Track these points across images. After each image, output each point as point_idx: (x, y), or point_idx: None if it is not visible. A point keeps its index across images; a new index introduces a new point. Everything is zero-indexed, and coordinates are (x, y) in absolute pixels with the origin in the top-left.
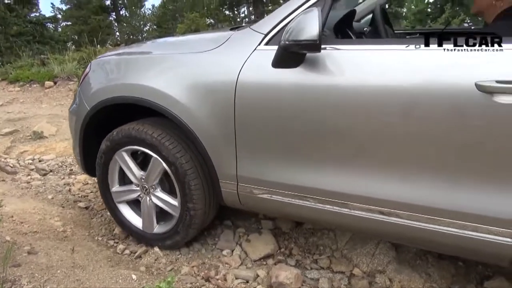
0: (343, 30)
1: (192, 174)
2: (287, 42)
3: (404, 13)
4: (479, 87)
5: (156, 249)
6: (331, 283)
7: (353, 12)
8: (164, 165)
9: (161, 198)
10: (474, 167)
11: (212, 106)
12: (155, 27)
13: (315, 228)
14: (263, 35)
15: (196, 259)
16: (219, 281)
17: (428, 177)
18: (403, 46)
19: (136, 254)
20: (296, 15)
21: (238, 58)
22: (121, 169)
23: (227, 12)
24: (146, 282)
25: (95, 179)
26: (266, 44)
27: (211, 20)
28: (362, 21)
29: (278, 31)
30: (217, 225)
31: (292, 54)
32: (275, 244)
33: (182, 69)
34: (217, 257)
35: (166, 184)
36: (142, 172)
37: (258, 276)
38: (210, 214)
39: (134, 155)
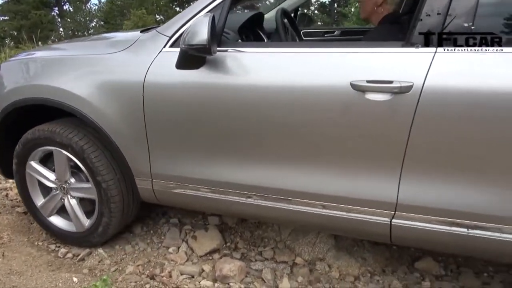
0: (254, 32)
1: (89, 148)
2: (183, 46)
3: (348, 13)
4: (353, 86)
5: (100, 250)
6: (274, 273)
7: (259, 15)
8: (63, 151)
9: (77, 187)
10: (353, 157)
11: (122, 106)
12: (102, 23)
13: (260, 222)
14: (168, 38)
15: (142, 258)
16: (164, 278)
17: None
18: (295, 49)
19: (79, 257)
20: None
21: (145, 60)
22: (38, 181)
23: (177, 9)
24: (87, 284)
25: None
26: (171, 46)
27: (161, 17)
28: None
29: (181, 34)
30: (163, 223)
31: (192, 57)
32: (221, 239)
33: (92, 70)
34: (163, 255)
35: (80, 175)
36: (54, 174)
37: (203, 270)
38: (129, 196)
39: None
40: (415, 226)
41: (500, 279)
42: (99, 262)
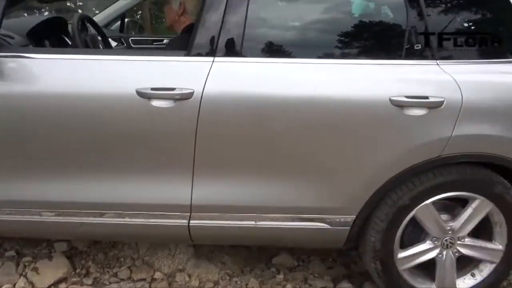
0: (58, 37)
1: None
2: None
3: None
4: (139, 93)
5: None
6: None
7: (59, 20)
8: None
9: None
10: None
11: None
12: None
13: (116, 242)
14: None
15: None
16: None
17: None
18: (84, 56)
19: None
20: None
21: None
22: None
23: None
24: None
25: None
26: None
27: None
28: (113, 26)
29: None
30: None
31: None
32: (68, 266)
33: None
34: None
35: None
36: None
37: None
38: None
39: None
40: (210, 225)
41: (343, 262)
42: None
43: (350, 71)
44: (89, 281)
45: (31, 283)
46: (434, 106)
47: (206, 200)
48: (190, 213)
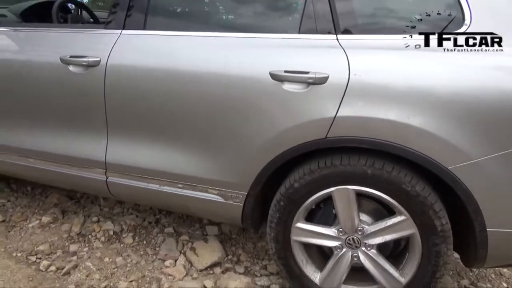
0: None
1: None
2: None
3: None
4: (62, 60)
5: (88, 263)
6: None
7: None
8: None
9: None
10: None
11: None
12: None
13: (263, 233)
14: None
15: (135, 272)
16: None
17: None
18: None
19: (64, 270)
20: None
21: None
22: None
23: None
24: None
25: (13, 186)
26: None
27: None
28: None
29: None
30: (157, 233)
31: None
32: (222, 251)
33: None
34: (159, 269)
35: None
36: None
37: (205, 287)
38: None
39: None
40: (124, 183)
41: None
42: (87, 276)
43: (239, 44)
44: (241, 269)
45: (190, 262)
46: (315, 82)
47: (119, 159)
48: (106, 170)
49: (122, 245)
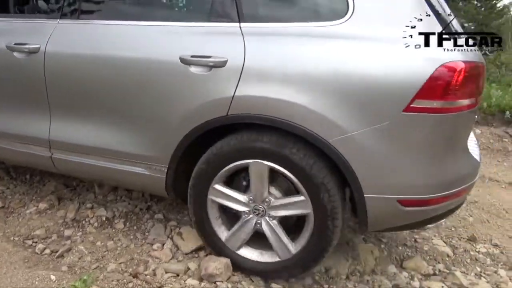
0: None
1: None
2: None
3: None
4: (8, 47)
5: (81, 246)
6: None
7: None
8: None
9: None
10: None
11: None
12: None
13: None
14: None
15: (124, 255)
16: (148, 276)
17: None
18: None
19: (58, 253)
20: None
21: None
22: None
23: None
24: (66, 283)
25: (13, 174)
26: None
27: None
28: None
29: None
30: (147, 219)
31: None
32: None
33: None
34: (147, 252)
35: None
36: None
37: (189, 269)
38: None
39: None
40: (67, 159)
41: None
42: (79, 259)
43: (157, 32)
44: None
45: (176, 246)
46: (216, 66)
47: (60, 137)
48: (50, 147)
49: (113, 230)
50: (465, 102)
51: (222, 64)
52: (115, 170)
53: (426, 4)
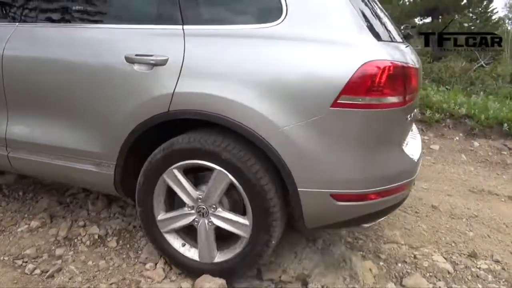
0: None
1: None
2: None
3: None
4: None
5: (72, 266)
6: None
7: None
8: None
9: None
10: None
11: None
12: None
13: None
14: None
15: (116, 275)
16: None
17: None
18: None
19: (48, 273)
20: None
21: None
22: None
23: None
24: None
25: (5, 191)
26: None
27: None
28: None
29: None
30: (140, 237)
31: None
32: None
33: None
34: (139, 271)
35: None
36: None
37: None
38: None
39: None
40: (24, 158)
41: None
42: (70, 279)
43: (106, 33)
44: None
45: (169, 265)
46: (157, 64)
47: (16, 136)
48: (6, 145)
49: (106, 248)
50: (393, 99)
51: (163, 62)
52: (68, 168)
53: (357, 7)
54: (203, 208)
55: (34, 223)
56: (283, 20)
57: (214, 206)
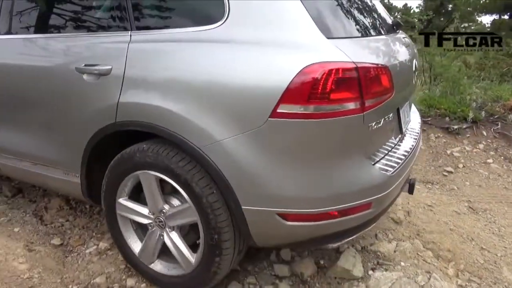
0: None
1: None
2: None
3: None
4: None
5: None
6: None
7: None
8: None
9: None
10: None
11: None
12: None
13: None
14: None
15: None
16: None
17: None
18: None
19: None
20: None
21: None
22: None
23: None
24: None
25: (72, 203)
26: None
27: None
28: None
29: None
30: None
31: None
32: None
33: None
34: None
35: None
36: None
37: None
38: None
39: None
40: (4, 163)
41: None
42: None
43: (60, 43)
44: None
45: None
46: (102, 73)
47: None
48: None
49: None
50: (345, 106)
51: (107, 72)
52: (43, 175)
53: (304, 9)
54: (159, 219)
55: (102, 244)
56: (224, 21)
57: (163, 210)
